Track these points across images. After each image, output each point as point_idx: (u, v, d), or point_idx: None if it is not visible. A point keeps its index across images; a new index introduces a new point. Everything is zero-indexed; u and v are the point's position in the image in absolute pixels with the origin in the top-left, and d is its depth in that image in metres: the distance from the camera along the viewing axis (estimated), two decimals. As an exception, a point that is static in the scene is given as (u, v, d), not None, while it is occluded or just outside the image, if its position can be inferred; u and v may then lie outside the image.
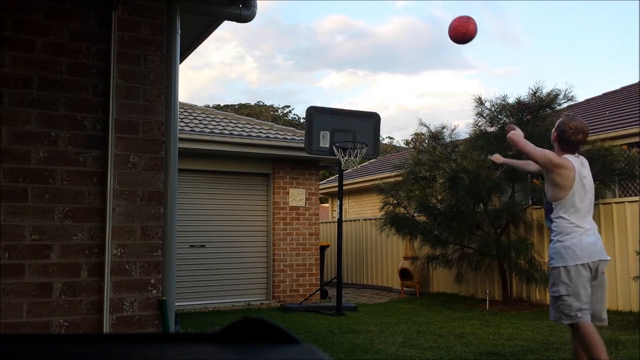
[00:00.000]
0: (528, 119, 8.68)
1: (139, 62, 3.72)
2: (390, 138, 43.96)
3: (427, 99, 67.60)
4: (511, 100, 8.75)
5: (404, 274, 10.62)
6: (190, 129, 9.19)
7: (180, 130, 7.08)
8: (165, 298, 3.68)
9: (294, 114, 42.67)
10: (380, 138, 11.04)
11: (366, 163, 16.99)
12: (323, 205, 19.18)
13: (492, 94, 32.06)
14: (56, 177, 3.45)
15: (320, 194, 13.86)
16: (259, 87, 64.21)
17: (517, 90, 21.39)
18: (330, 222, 13.83)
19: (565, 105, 8.71)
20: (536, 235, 8.82)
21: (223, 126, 9.88)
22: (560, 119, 3.86)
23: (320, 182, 13.64)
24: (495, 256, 8.63)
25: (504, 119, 8.90)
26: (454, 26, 4.35)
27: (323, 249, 10.73)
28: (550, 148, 3.97)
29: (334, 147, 8.51)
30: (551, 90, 8.54)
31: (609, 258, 3.68)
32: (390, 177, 11.85)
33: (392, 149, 35.21)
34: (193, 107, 11.04)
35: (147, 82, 3.73)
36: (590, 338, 3.44)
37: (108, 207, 3.53)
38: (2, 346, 0.72)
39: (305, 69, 67.02)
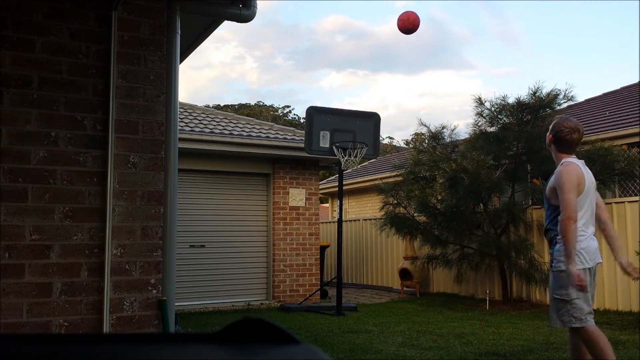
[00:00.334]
0: (528, 119, 8.68)
1: (139, 62, 3.72)
2: (390, 138, 43.97)
3: (427, 99, 67.63)
4: (511, 100, 8.76)
5: (404, 274, 10.62)
6: (190, 129, 9.19)
7: (180, 130, 7.09)
8: (165, 298, 3.68)
9: (294, 114, 42.69)
10: (380, 138, 11.04)
11: (366, 163, 16.99)
12: (323, 205, 19.18)
13: (492, 94, 32.07)
14: (56, 177, 3.45)
15: (320, 194, 13.86)
16: (259, 87, 64.25)
17: (517, 90, 21.40)
18: (330, 222, 13.83)
19: (565, 105, 8.72)
20: (536, 235, 8.82)
21: (223, 126, 9.88)
22: (553, 122, 3.81)
23: (320, 182, 13.64)
24: (495, 256, 8.63)
25: (504, 118, 8.90)
26: (402, 25, 5.42)
27: (323, 249, 10.73)
28: (547, 149, 3.95)
29: (334, 147, 8.51)
30: (551, 90, 8.55)
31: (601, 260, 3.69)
32: (390, 177, 11.85)
33: (392, 149, 35.21)
34: (193, 107, 11.04)
35: (147, 82, 3.73)
36: (599, 340, 3.41)
37: (108, 207, 3.53)
38: (2, 346, 0.72)
39: (305, 69, 67.04)
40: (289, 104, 66.03)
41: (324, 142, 8.55)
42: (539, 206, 8.68)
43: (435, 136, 9.66)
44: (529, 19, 71.52)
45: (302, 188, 10.12)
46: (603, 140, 8.41)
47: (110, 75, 3.61)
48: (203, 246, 9.45)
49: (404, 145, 37.24)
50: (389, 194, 9.60)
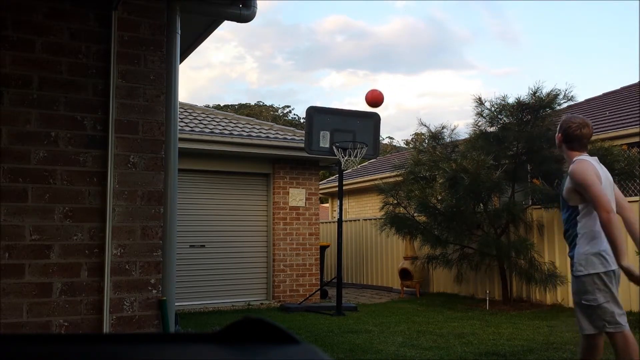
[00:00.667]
0: (528, 119, 8.68)
1: (139, 62, 3.72)
2: (390, 138, 43.98)
3: (427, 99, 67.64)
4: (511, 100, 8.76)
5: (404, 274, 10.61)
6: (190, 129, 9.19)
7: (180, 130, 7.09)
8: (165, 298, 3.68)
9: (294, 114, 42.70)
10: (380, 138, 11.04)
11: (366, 163, 17.00)
12: (323, 205, 19.18)
13: (492, 94, 32.08)
14: (56, 177, 3.45)
15: (320, 194, 13.86)
16: (259, 87, 64.27)
17: (517, 90, 21.39)
18: (330, 222, 13.83)
19: (565, 105, 8.71)
20: (536, 235, 8.82)
21: (223, 126, 9.89)
22: (561, 121, 3.65)
23: (320, 182, 13.64)
24: (495, 256, 8.63)
25: (504, 118, 8.90)
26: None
27: (323, 249, 10.73)
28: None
29: (334, 147, 8.51)
30: (551, 90, 8.54)
31: None
32: (390, 177, 11.85)
33: (392, 149, 35.22)
34: (193, 107, 11.04)
35: (147, 82, 3.73)
36: (631, 348, 3.26)
37: (108, 207, 3.53)
38: (2, 346, 0.72)
39: (305, 69, 67.04)
40: (289, 104, 66.07)
41: (324, 142, 8.55)
42: (539, 206, 8.68)
43: (435, 136, 9.66)
44: (529, 19, 71.55)
45: (302, 188, 10.12)
46: (603, 140, 8.41)
47: (110, 75, 3.61)
48: (203, 246, 9.45)
49: (404, 145, 37.26)
50: (389, 194, 9.60)
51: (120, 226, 3.57)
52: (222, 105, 41.19)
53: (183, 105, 10.55)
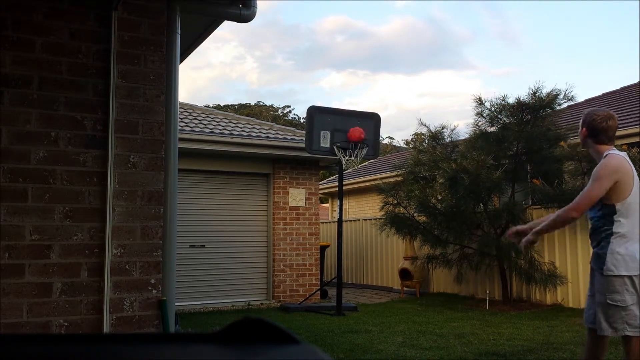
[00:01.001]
0: (528, 119, 8.68)
1: (139, 62, 3.72)
2: (390, 138, 43.99)
3: (427, 99, 67.66)
4: (511, 100, 8.76)
5: (404, 274, 10.61)
6: (190, 129, 9.19)
7: (180, 130, 7.09)
8: (165, 298, 3.68)
9: (294, 114, 42.71)
10: (380, 138, 11.04)
11: (366, 163, 16.99)
12: (323, 205, 19.18)
13: (492, 94, 32.09)
14: (56, 177, 3.45)
15: (320, 194, 13.86)
16: (259, 87, 64.28)
17: (517, 90, 21.39)
18: (330, 222, 13.83)
19: (565, 105, 8.71)
20: (536, 235, 8.80)
21: (223, 126, 9.88)
22: (583, 116, 3.49)
23: (320, 182, 13.64)
24: (495, 256, 8.63)
25: (504, 118, 8.90)
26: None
27: (323, 249, 10.73)
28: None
29: (334, 147, 8.51)
30: (551, 90, 8.54)
31: None
32: (390, 177, 11.85)
33: (392, 149, 35.22)
34: (193, 107, 11.04)
35: (147, 82, 3.73)
36: None
37: (108, 207, 3.53)
38: (2, 346, 0.72)
39: (305, 69, 67.05)
40: (289, 104, 66.09)
41: (325, 142, 8.55)
42: (539, 206, 8.67)
43: (435, 136, 9.66)
44: (529, 19, 71.56)
45: (302, 188, 10.12)
46: (603, 140, 8.39)
47: (110, 75, 3.61)
48: (203, 246, 9.45)
49: (404, 145, 37.26)
50: (389, 194, 9.60)
51: (120, 226, 3.57)
52: (222, 105, 41.20)
53: (183, 105, 10.55)
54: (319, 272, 10.29)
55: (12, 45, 3.41)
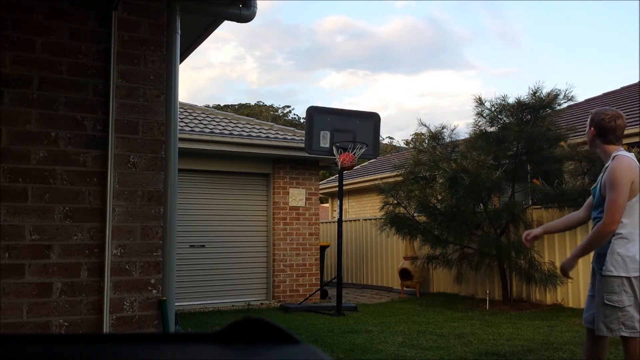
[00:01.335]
0: (528, 119, 8.68)
1: (139, 62, 3.72)
2: (390, 138, 44.00)
3: (427, 99, 67.68)
4: (511, 100, 8.76)
5: (404, 274, 10.61)
6: (190, 129, 9.19)
7: (180, 130, 7.09)
8: (165, 298, 3.68)
9: (294, 114, 42.72)
10: (380, 138, 11.04)
11: (366, 163, 17.00)
12: (323, 205, 19.18)
13: (492, 94, 32.09)
14: (56, 177, 3.45)
15: (320, 194, 13.86)
16: (259, 87, 64.31)
17: (517, 90, 21.40)
18: (330, 222, 13.83)
19: (565, 105, 8.71)
20: (536, 235, 8.80)
21: (223, 126, 9.88)
22: (591, 115, 3.46)
23: (320, 182, 13.64)
24: (495, 256, 8.63)
25: (504, 118, 8.90)
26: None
27: (323, 249, 10.73)
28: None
29: (334, 147, 8.51)
30: (551, 90, 8.54)
31: None
32: (390, 177, 11.85)
33: (392, 149, 35.23)
34: (193, 107, 11.04)
35: (147, 82, 3.73)
36: None
37: (108, 207, 3.53)
38: (2, 346, 0.72)
39: (305, 69, 67.06)
40: (289, 104, 66.12)
41: (324, 142, 8.55)
42: (539, 206, 8.68)
43: (435, 136, 9.66)
44: (529, 19, 71.57)
45: (302, 188, 10.12)
46: (603, 140, 8.39)
47: (110, 75, 3.61)
48: (203, 246, 9.45)
49: (404, 145, 37.26)
50: (389, 194, 9.60)
51: (120, 226, 3.57)
52: (222, 105, 41.21)
53: (183, 105, 10.55)
54: (319, 272, 10.28)
55: (12, 45, 3.41)
